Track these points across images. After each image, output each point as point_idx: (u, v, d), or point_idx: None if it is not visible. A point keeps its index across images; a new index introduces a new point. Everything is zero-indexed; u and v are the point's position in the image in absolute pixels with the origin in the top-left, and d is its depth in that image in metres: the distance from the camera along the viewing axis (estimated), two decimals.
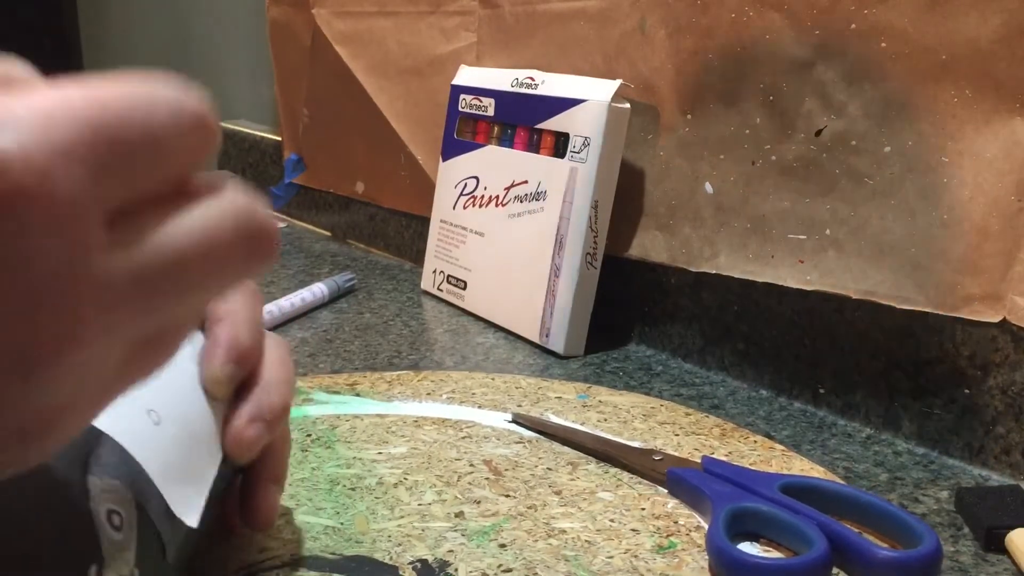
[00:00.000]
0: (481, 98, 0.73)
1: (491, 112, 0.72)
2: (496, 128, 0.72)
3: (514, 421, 0.52)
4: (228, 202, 0.20)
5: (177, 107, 0.19)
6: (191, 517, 0.31)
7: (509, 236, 0.69)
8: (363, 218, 0.97)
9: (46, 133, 0.16)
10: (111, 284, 0.18)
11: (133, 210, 0.18)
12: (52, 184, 0.16)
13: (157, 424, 0.31)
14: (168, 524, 0.30)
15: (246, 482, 0.37)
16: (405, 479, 0.45)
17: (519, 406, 0.54)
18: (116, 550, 0.27)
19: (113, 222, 0.18)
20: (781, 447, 0.50)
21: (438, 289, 0.78)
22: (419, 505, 0.43)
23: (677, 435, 0.51)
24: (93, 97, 0.18)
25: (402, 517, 0.41)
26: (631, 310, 0.68)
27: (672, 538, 0.40)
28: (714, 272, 0.60)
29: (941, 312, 0.48)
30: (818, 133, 0.53)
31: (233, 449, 0.34)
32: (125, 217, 0.18)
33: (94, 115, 0.17)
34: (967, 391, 0.48)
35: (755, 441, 0.50)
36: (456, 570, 0.37)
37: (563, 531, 0.41)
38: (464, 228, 0.74)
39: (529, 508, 0.43)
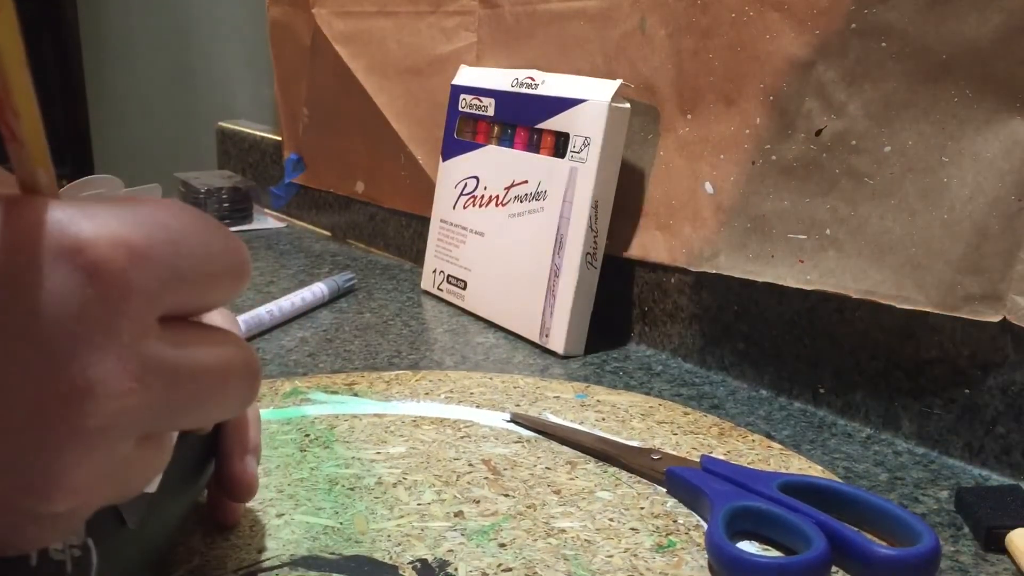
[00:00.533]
0: (481, 98, 0.73)
1: (491, 112, 0.72)
2: (496, 128, 0.72)
3: (512, 421, 0.52)
4: (243, 347, 0.26)
5: (238, 251, 0.25)
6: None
7: (509, 236, 0.69)
8: (363, 218, 0.97)
9: (139, 232, 0.21)
10: (149, 364, 0.22)
11: (176, 320, 0.23)
12: (127, 270, 0.21)
13: None
14: None
15: (224, 458, 0.37)
16: (404, 479, 0.45)
17: (517, 406, 0.54)
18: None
19: (163, 321, 0.22)
20: (779, 446, 0.50)
21: (438, 289, 0.78)
22: (418, 505, 0.42)
23: (675, 434, 0.51)
24: (186, 222, 0.23)
25: (401, 517, 0.41)
26: (631, 310, 0.68)
27: (671, 537, 0.40)
28: (714, 272, 0.60)
29: (941, 312, 0.48)
30: (818, 133, 0.53)
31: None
32: (171, 322, 0.23)
33: (180, 237, 0.22)
34: (967, 391, 0.48)
35: (753, 440, 0.50)
36: (456, 569, 0.37)
37: (562, 530, 0.41)
38: (464, 228, 0.74)
39: (528, 507, 0.43)
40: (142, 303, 0.21)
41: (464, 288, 0.74)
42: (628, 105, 0.62)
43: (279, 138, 1.07)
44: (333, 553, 0.38)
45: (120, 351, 0.21)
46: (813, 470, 0.47)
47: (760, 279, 0.57)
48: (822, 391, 0.55)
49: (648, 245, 0.65)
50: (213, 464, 0.37)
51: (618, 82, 0.62)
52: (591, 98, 0.62)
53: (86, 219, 0.21)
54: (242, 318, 0.66)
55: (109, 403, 0.21)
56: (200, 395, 0.24)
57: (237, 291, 0.25)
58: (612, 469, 0.47)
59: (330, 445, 0.48)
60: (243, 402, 0.26)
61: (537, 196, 0.66)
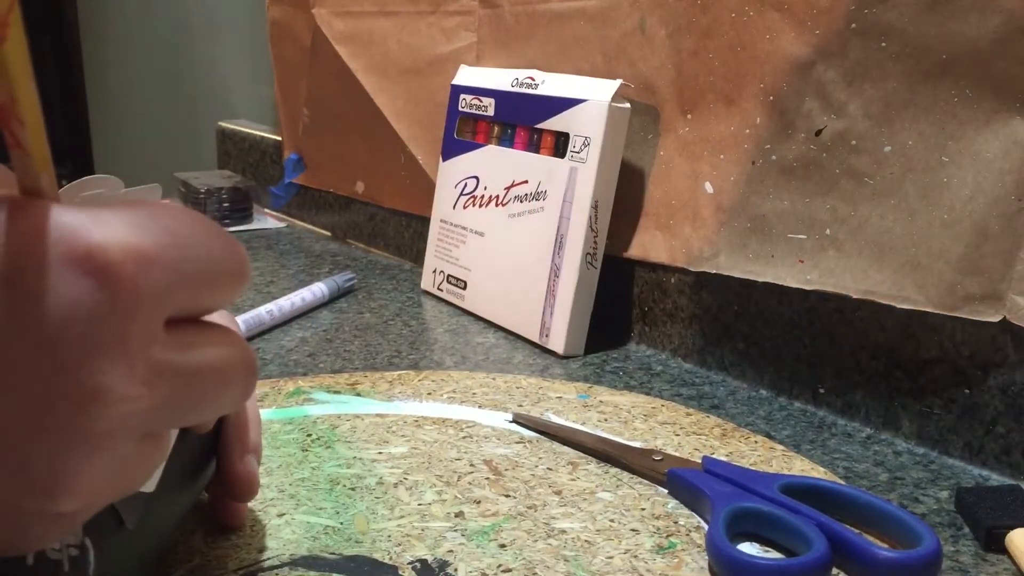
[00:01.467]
0: (481, 98, 0.73)
1: (491, 112, 0.72)
2: (496, 128, 0.72)
3: (514, 421, 0.52)
4: (241, 344, 0.26)
5: (238, 254, 0.25)
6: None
7: (509, 236, 0.69)
8: (363, 218, 0.97)
9: (147, 237, 0.22)
10: (155, 368, 0.22)
11: (180, 321, 0.23)
12: (136, 275, 0.21)
13: None
14: None
15: (225, 458, 0.37)
16: (405, 479, 0.45)
17: (520, 406, 0.54)
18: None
19: (167, 324, 0.23)
20: (782, 447, 0.50)
21: (438, 289, 0.78)
22: (419, 505, 0.43)
23: (678, 435, 0.51)
24: (190, 226, 0.23)
25: (402, 517, 0.41)
26: (631, 310, 0.68)
27: (672, 538, 0.40)
28: (714, 272, 0.60)
29: (941, 312, 0.48)
30: (818, 133, 0.53)
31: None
32: (175, 325, 0.23)
33: (185, 242, 0.23)
34: (967, 391, 0.48)
35: (756, 441, 0.50)
36: (456, 570, 0.37)
37: (563, 531, 0.41)
38: (464, 228, 0.74)
39: (529, 508, 0.43)
40: (150, 308, 0.22)
41: (464, 288, 0.74)
42: (628, 105, 0.62)
43: (279, 138, 1.07)
44: (333, 553, 0.38)
45: (128, 356, 0.21)
46: (816, 472, 0.47)
47: (760, 279, 0.57)
48: (822, 391, 0.55)
49: (648, 245, 0.65)
50: (213, 465, 0.37)
51: (618, 82, 0.62)
52: (591, 98, 0.62)
53: (95, 225, 0.21)
54: (242, 318, 0.66)
55: (117, 407, 0.21)
56: (202, 394, 0.24)
57: (237, 293, 0.25)
58: (614, 470, 0.47)
59: (332, 445, 0.48)
60: (241, 398, 0.27)
61: (537, 196, 0.66)
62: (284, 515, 0.41)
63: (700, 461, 0.45)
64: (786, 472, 0.47)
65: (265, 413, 0.52)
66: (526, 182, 0.68)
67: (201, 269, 0.23)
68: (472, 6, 0.78)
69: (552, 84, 0.67)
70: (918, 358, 0.50)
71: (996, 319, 0.46)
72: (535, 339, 0.66)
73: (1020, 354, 0.46)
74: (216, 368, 0.24)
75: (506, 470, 0.46)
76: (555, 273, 0.65)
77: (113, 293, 0.21)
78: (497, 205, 0.71)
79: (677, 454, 0.48)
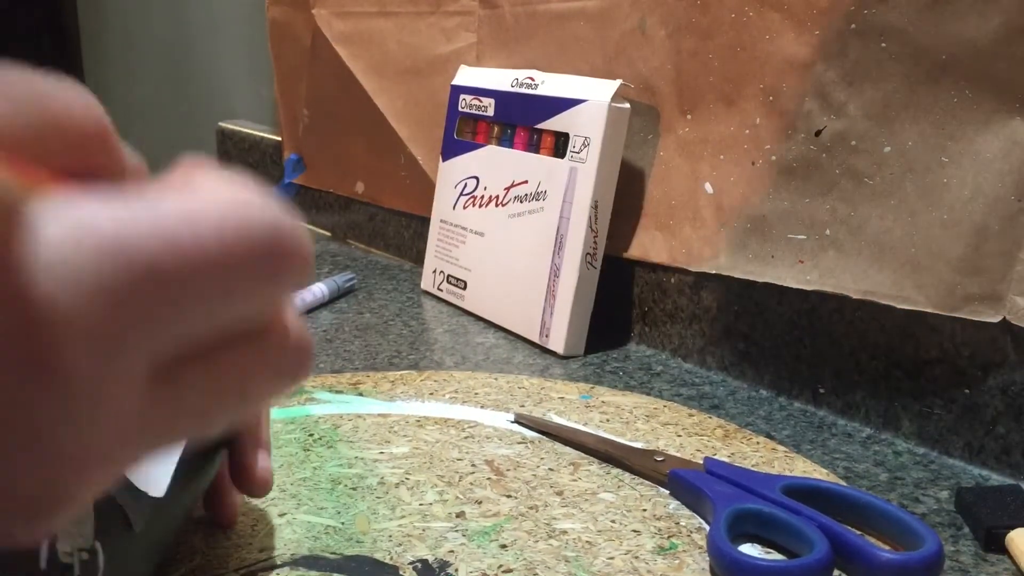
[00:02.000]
0: (481, 98, 0.73)
1: (491, 112, 0.72)
2: (496, 128, 0.72)
3: (516, 421, 0.52)
4: (286, 340, 0.18)
5: (269, 235, 0.17)
6: (156, 488, 0.31)
7: (509, 236, 0.69)
8: (363, 218, 0.97)
9: (73, 267, 0.13)
10: (136, 430, 0.15)
11: (202, 352, 0.16)
12: (66, 339, 0.13)
13: None
14: (131, 496, 0.30)
15: (237, 455, 0.38)
16: (407, 479, 0.45)
17: (522, 406, 0.54)
18: (70, 523, 0.27)
19: (169, 367, 0.15)
20: (783, 448, 0.50)
21: (438, 289, 0.78)
22: (420, 505, 0.43)
23: (680, 436, 0.51)
24: (145, 219, 0.15)
25: (403, 517, 0.41)
26: (631, 310, 0.68)
27: (673, 539, 0.40)
28: (714, 272, 0.60)
29: (941, 312, 0.49)
30: (818, 133, 0.53)
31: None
32: (187, 361, 0.16)
33: (140, 243, 0.14)
34: (967, 391, 0.48)
35: (757, 442, 0.50)
36: (456, 570, 0.37)
37: (564, 532, 0.41)
38: (464, 228, 0.74)
39: (530, 508, 0.43)
40: (122, 365, 0.14)
41: (464, 288, 0.74)
42: (628, 105, 0.62)
43: (279, 138, 1.07)
44: (334, 553, 0.38)
45: (98, 427, 0.15)
46: (817, 473, 0.47)
47: (760, 279, 0.57)
48: (822, 391, 0.55)
49: (648, 245, 0.65)
50: (217, 463, 0.38)
51: (618, 82, 0.62)
52: (591, 98, 0.63)
53: (49, 270, 0.13)
54: None
55: (91, 477, 0.15)
56: (209, 421, 0.18)
57: (292, 283, 0.17)
58: (615, 471, 0.47)
59: (333, 445, 0.49)
60: (280, 388, 0.19)
61: (537, 196, 0.66)
62: (285, 515, 0.41)
63: (702, 462, 0.46)
64: (788, 473, 0.47)
65: None
66: (526, 182, 0.68)
67: (199, 287, 0.15)
68: (472, 6, 0.78)
69: (552, 84, 0.67)
70: (918, 358, 0.50)
71: (996, 319, 0.46)
72: (535, 339, 0.66)
73: (1020, 354, 0.46)
74: (229, 392, 0.17)
75: (508, 470, 0.46)
76: (555, 273, 0.65)
77: (62, 370, 0.13)
78: (497, 205, 0.71)
79: (679, 455, 0.48)
